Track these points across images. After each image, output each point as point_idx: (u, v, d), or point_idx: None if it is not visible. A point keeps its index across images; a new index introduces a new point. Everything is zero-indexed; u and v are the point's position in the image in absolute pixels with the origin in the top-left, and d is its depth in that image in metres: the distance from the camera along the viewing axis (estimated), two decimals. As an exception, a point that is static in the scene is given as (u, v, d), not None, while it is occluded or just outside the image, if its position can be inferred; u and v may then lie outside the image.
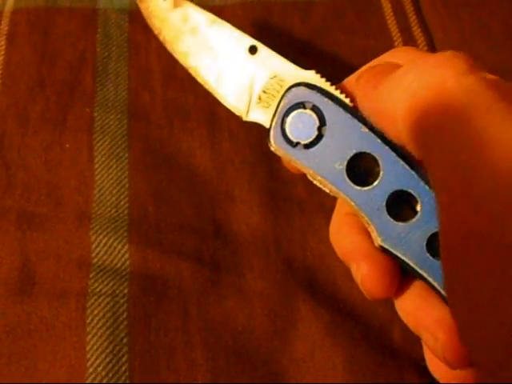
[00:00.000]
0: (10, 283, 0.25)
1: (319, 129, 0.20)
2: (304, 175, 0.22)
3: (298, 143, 0.20)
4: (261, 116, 0.22)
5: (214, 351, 0.24)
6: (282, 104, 0.21)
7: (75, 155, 0.29)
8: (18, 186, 0.28)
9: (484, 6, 0.33)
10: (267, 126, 0.22)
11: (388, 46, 0.33)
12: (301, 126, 0.20)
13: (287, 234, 0.28)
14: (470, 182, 0.14)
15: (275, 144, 0.21)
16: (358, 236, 0.20)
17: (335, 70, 0.33)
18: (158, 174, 0.29)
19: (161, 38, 0.25)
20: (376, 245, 0.19)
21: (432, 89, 0.16)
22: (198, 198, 0.28)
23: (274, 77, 0.22)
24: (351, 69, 0.33)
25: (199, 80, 0.24)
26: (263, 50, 0.23)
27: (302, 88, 0.21)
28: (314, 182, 0.21)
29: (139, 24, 0.35)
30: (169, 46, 0.25)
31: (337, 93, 0.21)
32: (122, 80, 0.32)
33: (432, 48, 0.32)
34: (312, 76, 0.21)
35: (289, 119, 0.21)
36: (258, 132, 0.34)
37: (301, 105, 0.21)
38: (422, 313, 0.19)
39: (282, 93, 0.21)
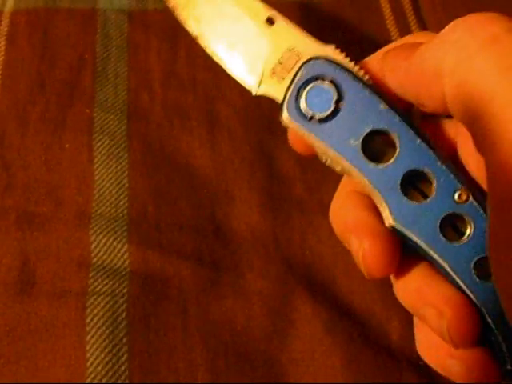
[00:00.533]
0: (10, 283, 0.25)
1: (336, 103, 0.20)
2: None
3: (312, 117, 0.20)
4: (273, 89, 0.21)
5: (213, 351, 0.24)
6: (298, 76, 0.20)
7: (75, 155, 0.29)
8: (17, 186, 0.28)
9: (484, 8, 0.33)
10: (279, 100, 0.21)
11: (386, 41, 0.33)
12: (317, 99, 0.20)
13: (286, 234, 0.28)
14: None
15: (289, 117, 0.20)
16: (362, 212, 0.20)
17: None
18: (158, 174, 0.29)
19: (171, 3, 0.23)
20: (387, 224, 0.19)
21: (487, 41, 0.15)
22: (198, 198, 0.28)
23: (292, 49, 0.21)
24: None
25: (208, 51, 0.23)
26: (281, 21, 0.22)
27: (320, 61, 0.20)
28: (324, 160, 0.21)
29: (139, 24, 0.35)
30: (179, 12, 0.23)
31: (356, 69, 0.20)
32: (122, 80, 0.33)
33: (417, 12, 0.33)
34: (332, 51, 0.21)
35: (305, 92, 0.20)
36: (258, 131, 0.34)
37: (319, 78, 0.20)
38: (427, 289, 0.19)
39: (298, 66, 0.20)
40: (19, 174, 0.29)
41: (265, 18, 0.22)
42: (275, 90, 0.21)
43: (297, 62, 0.21)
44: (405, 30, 0.33)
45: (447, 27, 0.17)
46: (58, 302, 0.24)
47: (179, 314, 0.25)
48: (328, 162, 0.21)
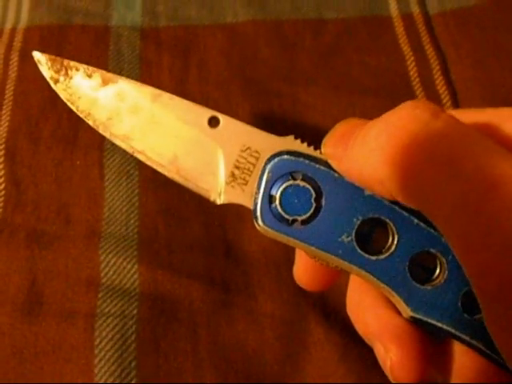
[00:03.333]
0: (18, 303, 0.24)
1: (316, 200, 0.17)
2: None
3: (294, 220, 0.18)
4: (238, 196, 0.18)
5: (224, 375, 0.23)
6: (264, 178, 0.18)
7: (86, 172, 0.29)
8: (28, 203, 0.28)
9: (498, 26, 0.33)
10: (249, 205, 0.18)
11: (400, 64, 0.32)
12: (294, 200, 0.18)
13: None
14: (488, 228, 0.13)
15: (264, 225, 0.18)
16: (384, 310, 0.18)
17: (348, 90, 0.33)
18: (168, 193, 0.28)
19: (91, 122, 0.20)
20: (406, 316, 0.17)
21: (411, 138, 0.15)
22: (209, 218, 0.28)
23: (247, 149, 0.18)
24: (364, 89, 0.33)
25: (153, 165, 0.19)
26: (226, 120, 0.19)
27: (285, 157, 0.18)
28: (316, 260, 0.18)
29: (151, 41, 0.35)
30: (103, 131, 0.20)
31: (324, 157, 0.18)
32: (134, 97, 0.32)
33: (445, 68, 0.32)
34: (291, 142, 0.18)
35: (278, 195, 0.18)
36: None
37: (288, 176, 0.18)
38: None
39: (260, 166, 0.18)
40: (29, 191, 0.28)
41: (206, 120, 0.19)
42: (240, 197, 0.18)
43: (257, 161, 0.18)
44: (418, 50, 0.33)
45: (367, 126, 0.16)
46: (66, 323, 0.24)
47: (189, 337, 0.24)
48: (321, 262, 0.18)
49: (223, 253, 0.26)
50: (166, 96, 0.20)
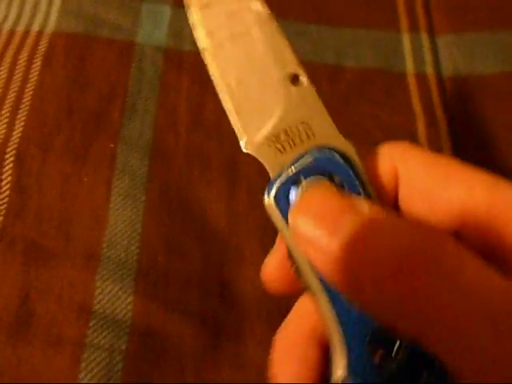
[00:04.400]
0: (5, 321, 0.22)
1: None
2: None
3: None
4: (268, 156, 0.16)
5: (204, 421, 0.22)
6: (303, 161, 0.16)
7: (92, 190, 0.26)
8: (29, 213, 0.26)
9: (508, 98, 0.31)
10: (271, 171, 0.16)
11: (411, 125, 0.31)
12: None
13: (292, 302, 0.25)
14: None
15: (273, 203, 0.15)
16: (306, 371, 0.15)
17: (359, 142, 0.31)
18: (172, 222, 0.26)
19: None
20: (336, 377, 0.14)
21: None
22: (208, 253, 0.26)
23: (306, 123, 0.16)
24: (375, 143, 0.31)
25: (216, 83, 0.17)
26: (307, 85, 0.17)
27: (336, 156, 0.16)
28: (291, 265, 0.16)
29: (173, 63, 0.33)
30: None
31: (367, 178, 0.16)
32: (149, 118, 0.30)
33: (454, 136, 0.30)
34: (350, 147, 0.16)
35: (304, 183, 0.15)
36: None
37: (327, 175, 0.16)
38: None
39: (307, 147, 0.16)
40: (33, 201, 0.26)
41: (290, 73, 0.17)
42: (270, 159, 0.16)
43: (307, 140, 0.16)
44: (430, 114, 0.31)
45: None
46: (53, 350, 0.21)
47: (176, 377, 0.22)
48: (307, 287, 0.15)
49: (218, 293, 0.24)
50: (272, 26, 0.18)
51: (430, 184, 0.15)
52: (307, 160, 0.16)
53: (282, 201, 0.15)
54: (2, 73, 0.31)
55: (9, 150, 0.27)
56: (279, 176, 0.16)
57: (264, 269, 0.17)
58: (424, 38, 0.33)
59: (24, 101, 0.29)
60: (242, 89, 0.17)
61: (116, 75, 0.31)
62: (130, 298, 0.23)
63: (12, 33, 0.33)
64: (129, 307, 0.23)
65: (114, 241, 0.25)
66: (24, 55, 0.31)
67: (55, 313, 0.22)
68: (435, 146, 0.29)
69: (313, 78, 0.34)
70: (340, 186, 0.15)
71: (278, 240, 0.17)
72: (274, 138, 0.16)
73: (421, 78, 0.32)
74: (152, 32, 0.34)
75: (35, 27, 0.33)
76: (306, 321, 0.16)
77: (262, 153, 0.16)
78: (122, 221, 0.26)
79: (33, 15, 0.33)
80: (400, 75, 0.33)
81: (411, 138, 0.30)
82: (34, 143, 0.28)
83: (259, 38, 0.17)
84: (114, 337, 0.22)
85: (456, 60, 0.32)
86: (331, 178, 0.16)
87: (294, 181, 0.15)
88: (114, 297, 0.23)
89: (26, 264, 0.24)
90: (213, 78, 0.17)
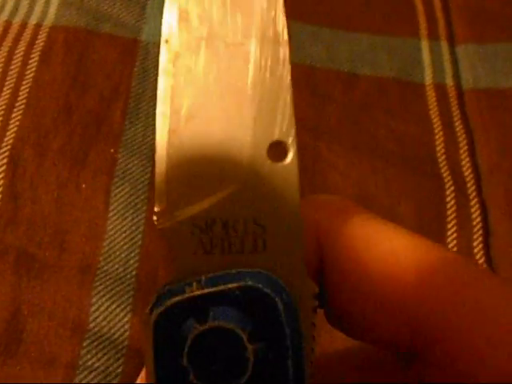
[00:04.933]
0: (-6, 339, 0.21)
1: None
2: None
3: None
4: (182, 248, 0.11)
5: None
6: (227, 279, 0.10)
7: (90, 198, 0.25)
8: (23, 220, 0.24)
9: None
10: (174, 270, 0.11)
11: (428, 137, 0.29)
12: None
13: None
14: None
15: (154, 325, 0.10)
16: None
17: (372, 153, 0.30)
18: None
19: None
20: None
21: None
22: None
23: (261, 226, 0.11)
24: (388, 155, 0.30)
25: (159, 99, 0.12)
26: (289, 165, 0.11)
27: (274, 300, 0.10)
28: None
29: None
30: None
31: None
32: (153, 122, 0.28)
33: (472, 150, 0.29)
34: (306, 293, 0.11)
35: (210, 317, 0.10)
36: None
37: (247, 318, 0.10)
38: None
39: (245, 263, 0.11)
40: (27, 208, 0.24)
41: (274, 140, 0.11)
42: (182, 252, 0.11)
43: (249, 253, 0.11)
44: (448, 125, 0.30)
45: None
46: (44, 371, 0.20)
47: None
48: None
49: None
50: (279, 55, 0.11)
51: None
52: (230, 292, 0.10)
53: (167, 331, 0.10)
54: (-3, 67, 0.29)
55: (2, 151, 0.26)
56: (179, 292, 0.10)
57: None
58: (444, 46, 0.32)
59: (19, 99, 0.28)
60: (191, 127, 0.11)
61: (118, 74, 0.30)
62: (128, 317, 0.22)
63: (8, 24, 0.31)
64: (126, 327, 0.22)
65: (112, 253, 0.24)
66: (20, 49, 0.30)
67: (47, 330, 0.21)
68: (454, 161, 0.28)
69: (326, 85, 0.32)
70: (261, 348, 0.10)
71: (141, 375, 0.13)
72: (203, 226, 0.11)
73: (440, 89, 0.31)
74: (158, 29, 0.32)
75: (33, 19, 0.31)
76: None
77: (175, 240, 0.11)
78: (121, 232, 0.24)
79: (31, 6, 0.32)
80: (418, 85, 0.31)
81: (428, 151, 0.29)
82: (29, 145, 0.26)
83: (254, 58, 0.11)
84: (110, 359, 0.21)
85: (477, 72, 0.31)
86: (252, 332, 0.10)
87: (195, 313, 0.10)
88: (110, 315, 0.22)
89: (17, 275, 0.22)
90: (158, 91, 0.11)
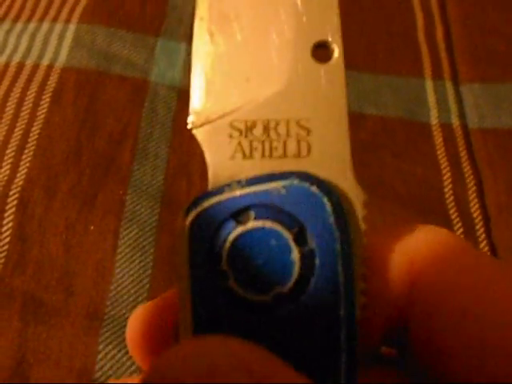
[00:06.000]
0: (-1, 387, 0.21)
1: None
2: None
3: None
4: (218, 154, 0.10)
5: None
6: (267, 186, 0.10)
7: (98, 240, 0.25)
8: (30, 263, 0.24)
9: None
10: (211, 177, 0.10)
11: (436, 178, 0.30)
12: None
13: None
14: None
15: (189, 231, 0.10)
16: None
17: (379, 194, 0.31)
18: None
19: None
20: None
21: None
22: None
23: (305, 128, 0.10)
24: (396, 196, 0.30)
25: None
26: (336, 63, 0.11)
27: (322, 200, 0.10)
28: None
29: (187, 104, 0.32)
30: None
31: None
32: (161, 163, 0.29)
33: (481, 190, 0.29)
34: (355, 195, 0.11)
35: (250, 225, 0.10)
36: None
37: (294, 225, 0.10)
38: None
39: (286, 167, 0.10)
40: (34, 250, 0.25)
41: (317, 40, 0.11)
42: (219, 158, 0.10)
43: (292, 156, 0.10)
44: (456, 166, 0.30)
45: None
46: (48, 423, 0.20)
47: None
48: None
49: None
50: None
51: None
52: (274, 191, 0.10)
53: (204, 233, 0.09)
54: (8, 109, 0.30)
55: (12, 193, 0.26)
56: (217, 193, 0.10)
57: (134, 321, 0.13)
58: (448, 86, 0.33)
59: (30, 140, 0.29)
60: (228, 30, 0.10)
61: (128, 116, 0.31)
62: (135, 366, 0.22)
63: (21, 66, 0.32)
64: (133, 375, 0.22)
65: (120, 298, 0.24)
66: (33, 90, 0.31)
67: (52, 379, 0.21)
68: (462, 202, 0.29)
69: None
70: (309, 251, 0.10)
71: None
72: (243, 129, 0.10)
73: (446, 128, 0.32)
74: (166, 70, 0.33)
75: (45, 60, 0.32)
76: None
77: (211, 143, 0.10)
78: (129, 275, 0.24)
79: (43, 48, 0.33)
80: (424, 125, 0.32)
81: (436, 192, 0.29)
82: (39, 187, 0.27)
83: None
84: (116, 410, 0.21)
85: (482, 111, 0.32)
86: (298, 232, 0.10)
87: (235, 214, 0.10)
88: (116, 363, 0.22)
89: (24, 321, 0.22)
90: None
